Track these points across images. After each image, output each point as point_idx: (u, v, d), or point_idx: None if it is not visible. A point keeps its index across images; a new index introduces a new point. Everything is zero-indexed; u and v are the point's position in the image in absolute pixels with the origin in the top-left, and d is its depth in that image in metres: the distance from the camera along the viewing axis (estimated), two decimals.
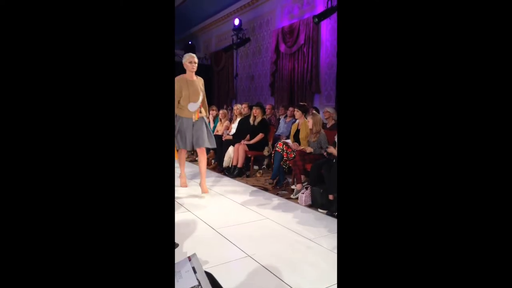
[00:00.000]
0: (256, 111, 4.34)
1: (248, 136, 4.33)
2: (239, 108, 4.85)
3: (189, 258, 0.96)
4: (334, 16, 4.80)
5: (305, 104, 4.23)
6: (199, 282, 0.91)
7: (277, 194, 3.37)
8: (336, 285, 1.60)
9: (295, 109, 3.85)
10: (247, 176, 4.19)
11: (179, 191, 3.32)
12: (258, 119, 4.32)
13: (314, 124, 3.38)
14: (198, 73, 3.24)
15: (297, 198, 3.15)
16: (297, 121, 3.83)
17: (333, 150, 2.98)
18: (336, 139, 3.17)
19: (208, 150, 5.07)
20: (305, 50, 5.71)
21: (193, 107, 3.11)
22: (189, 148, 3.17)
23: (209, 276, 0.99)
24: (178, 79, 3.09)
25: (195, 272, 0.92)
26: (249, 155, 4.24)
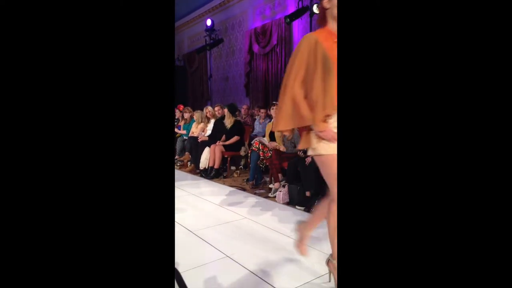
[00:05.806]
0: (225, 112, 4.36)
1: (224, 137, 4.31)
2: (211, 110, 4.84)
3: None
4: (305, 16, 4.87)
5: None
6: None
7: (255, 194, 3.37)
8: (315, 280, 1.62)
9: (274, 106, 3.85)
10: (224, 177, 4.16)
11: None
12: (230, 120, 4.32)
13: None
14: None
15: (275, 197, 3.16)
16: (272, 120, 3.85)
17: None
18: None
19: (183, 151, 5.01)
20: (278, 50, 5.75)
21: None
22: None
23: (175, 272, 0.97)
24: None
25: None
26: (226, 156, 4.21)
